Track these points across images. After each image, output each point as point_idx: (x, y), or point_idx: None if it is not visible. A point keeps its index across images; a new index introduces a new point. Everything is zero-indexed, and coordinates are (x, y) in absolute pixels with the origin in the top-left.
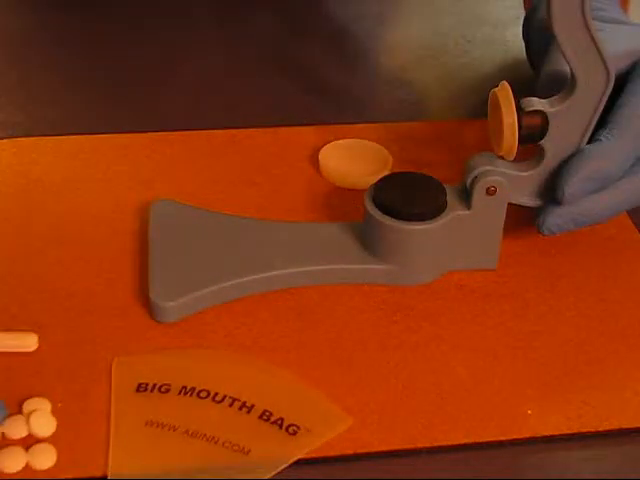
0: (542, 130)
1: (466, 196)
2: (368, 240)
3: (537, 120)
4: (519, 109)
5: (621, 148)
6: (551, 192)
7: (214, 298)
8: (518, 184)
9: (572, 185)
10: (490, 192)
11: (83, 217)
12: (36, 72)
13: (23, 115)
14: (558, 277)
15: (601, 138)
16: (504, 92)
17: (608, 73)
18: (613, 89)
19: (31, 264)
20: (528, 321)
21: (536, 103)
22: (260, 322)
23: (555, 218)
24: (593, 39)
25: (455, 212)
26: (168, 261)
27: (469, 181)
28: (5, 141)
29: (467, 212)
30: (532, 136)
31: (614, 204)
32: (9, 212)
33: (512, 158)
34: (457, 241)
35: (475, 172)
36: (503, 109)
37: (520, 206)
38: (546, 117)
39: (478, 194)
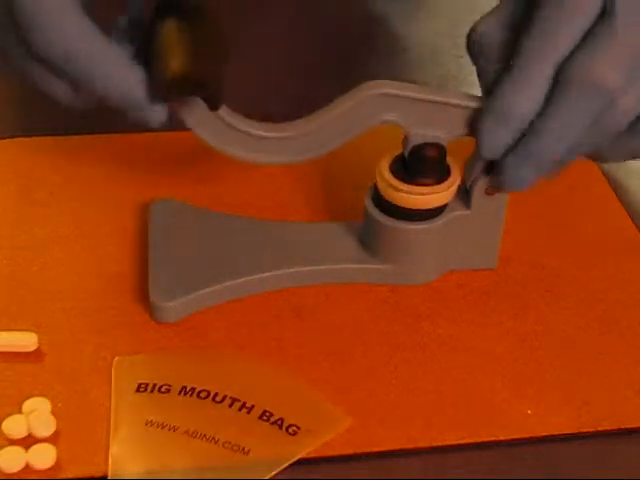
0: None
1: (466, 196)
2: (368, 240)
3: None
4: None
5: (529, 79)
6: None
7: (214, 298)
8: None
9: (485, 135)
10: (490, 192)
11: (83, 217)
12: None
13: (23, 115)
14: (558, 277)
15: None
16: None
17: None
18: None
19: (31, 264)
20: (528, 321)
21: None
22: (260, 322)
23: (516, 172)
24: None
25: (455, 212)
26: (168, 261)
27: (469, 181)
28: (5, 141)
29: (467, 212)
30: None
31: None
32: (9, 212)
33: None
34: (457, 241)
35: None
36: None
37: (520, 206)
38: None
39: (478, 194)
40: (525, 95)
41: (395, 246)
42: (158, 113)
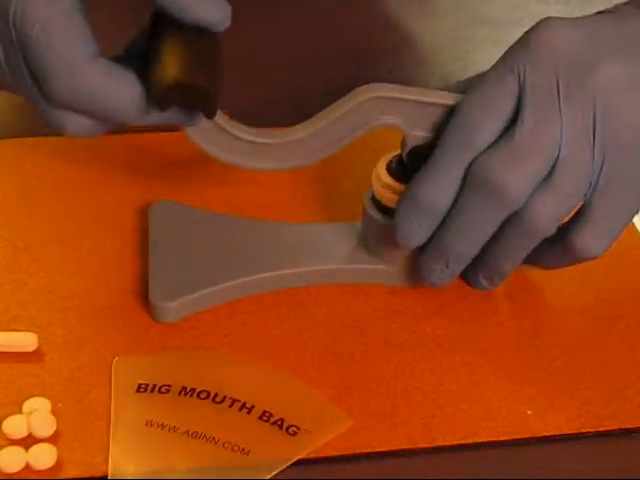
0: None
1: None
2: (368, 240)
3: None
4: None
5: (441, 174)
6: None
7: (214, 299)
8: None
9: (399, 222)
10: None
11: (83, 217)
12: None
13: (23, 115)
14: (558, 277)
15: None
16: None
17: None
18: None
19: (31, 264)
20: (528, 321)
21: None
22: (260, 322)
23: (427, 264)
24: None
25: None
26: (168, 262)
27: None
28: (5, 141)
29: None
30: None
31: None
32: (9, 212)
33: None
34: None
35: None
36: None
37: None
38: None
39: None
40: (437, 189)
41: (395, 246)
42: (153, 118)
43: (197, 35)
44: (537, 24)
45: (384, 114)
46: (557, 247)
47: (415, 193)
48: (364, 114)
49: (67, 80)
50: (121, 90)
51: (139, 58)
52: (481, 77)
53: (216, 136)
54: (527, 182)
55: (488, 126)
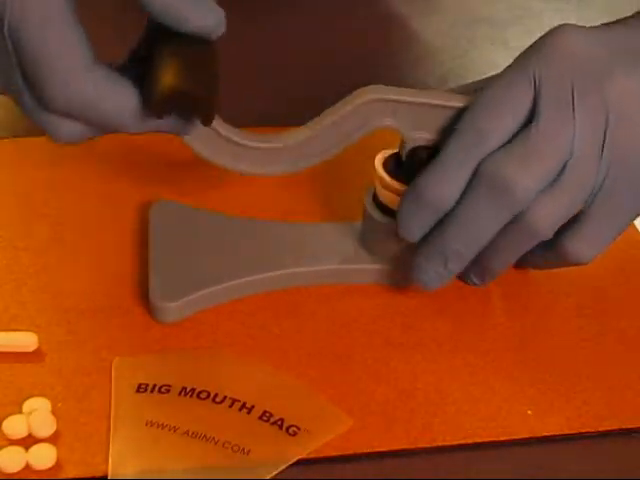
0: None
1: None
2: (368, 240)
3: None
4: None
5: (449, 170)
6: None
7: (214, 298)
8: None
9: (403, 216)
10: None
11: (83, 217)
12: None
13: (23, 115)
14: (558, 277)
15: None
16: None
17: None
18: None
19: (31, 264)
20: (528, 321)
21: None
22: (260, 322)
23: (422, 264)
24: None
25: None
26: (168, 262)
27: None
28: (5, 141)
29: None
30: None
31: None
32: (9, 212)
33: None
34: None
35: None
36: None
37: None
38: None
39: None
40: (445, 185)
41: (394, 246)
42: (149, 126)
43: (192, 42)
44: (552, 30)
45: (382, 116)
46: (548, 250)
47: (422, 188)
48: (362, 117)
49: (63, 88)
50: (117, 99)
51: (139, 66)
52: (491, 79)
53: (214, 142)
54: (536, 183)
55: (502, 126)
